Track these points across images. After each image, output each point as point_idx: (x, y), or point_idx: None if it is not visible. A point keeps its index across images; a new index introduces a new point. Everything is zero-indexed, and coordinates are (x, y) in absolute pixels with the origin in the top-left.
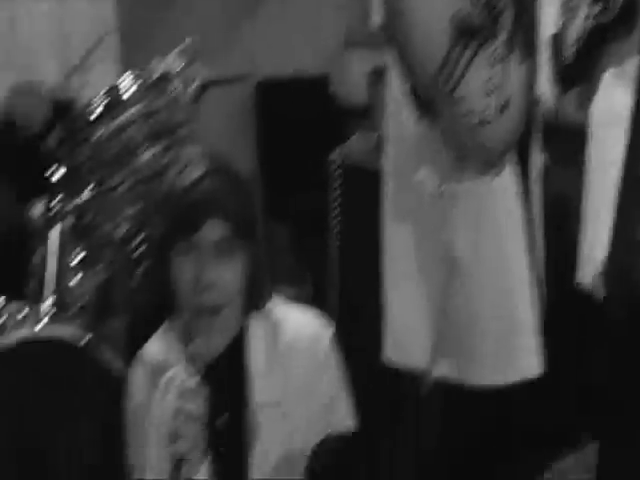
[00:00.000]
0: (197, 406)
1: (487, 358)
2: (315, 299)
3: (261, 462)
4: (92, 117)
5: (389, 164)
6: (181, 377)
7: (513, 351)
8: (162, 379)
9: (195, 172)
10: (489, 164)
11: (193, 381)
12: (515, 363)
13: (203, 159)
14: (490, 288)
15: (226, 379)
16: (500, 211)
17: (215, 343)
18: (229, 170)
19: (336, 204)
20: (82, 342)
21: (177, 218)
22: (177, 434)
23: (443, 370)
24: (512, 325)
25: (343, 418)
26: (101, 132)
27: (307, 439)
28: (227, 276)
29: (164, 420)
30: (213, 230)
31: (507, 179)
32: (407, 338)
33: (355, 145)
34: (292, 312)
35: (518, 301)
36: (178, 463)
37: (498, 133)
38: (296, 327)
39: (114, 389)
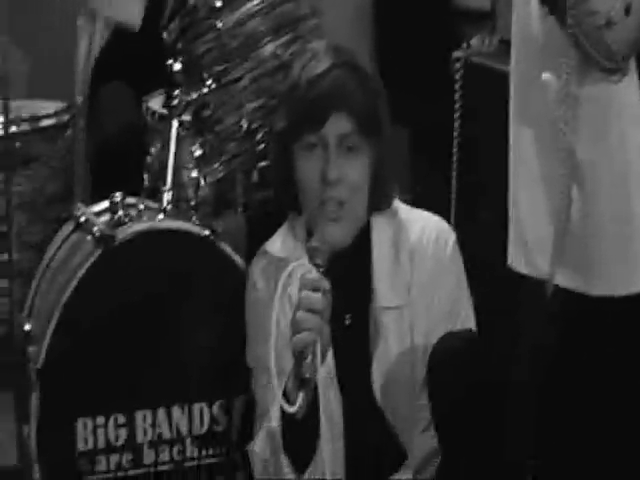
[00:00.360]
0: (319, 298)
1: (607, 268)
2: (430, 205)
3: (383, 360)
4: (214, 7)
5: (515, 66)
6: (303, 269)
7: (633, 262)
8: (284, 272)
9: (321, 65)
10: (613, 67)
11: (315, 273)
12: (635, 274)
13: (329, 53)
14: (611, 195)
15: (350, 275)
16: (623, 117)
17: (338, 238)
18: (356, 65)
19: (458, 104)
20: (203, 234)
21: (302, 111)
22: (299, 326)
23: (565, 279)
24: (633, 235)
25: (464, 321)
26: (223, 23)
27: (429, 341)
28: (352, 172)
29: (286, 312)
30: (338, 124)
31: (630, 85)
32: (531, 244)
33: (477, 46)
34: (417, 214)
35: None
36: (300, 355)
37: (623, 35)
38: (421, 229)
39: (238, 281)
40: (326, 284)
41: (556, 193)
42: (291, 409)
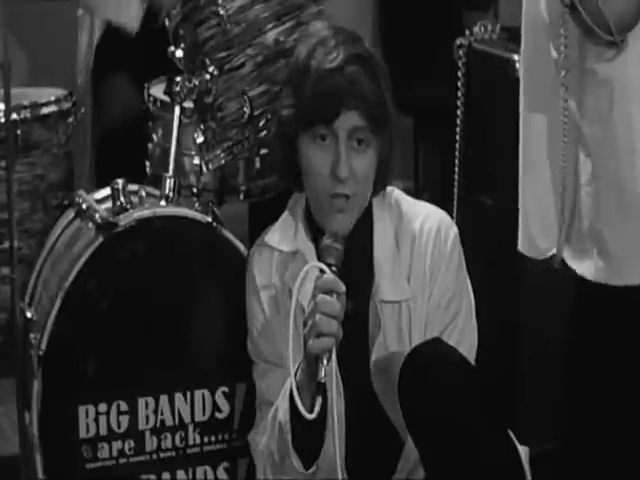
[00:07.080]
0: (336, 302)
1: (616, 256)
2: (433, 192)
3: (380, 352)
4: None
5: (524, 47)
6: (317, 271)
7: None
8: (300, 273)
9: (334, 57)
10: (610, 40)
11: (331, 275)
12: None
13: (339, 41)
14: (619, 179)
15: (351, 264)
16: (628, 97)
17: (343, 228)
18: (367, 58)
19: (462, 91)
20: (205, 221)
21: (313, 103)
22: (317, 330)
23: (577, 266)
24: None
25: (464, 316)
26: (225, 10)
27: (426, 334)
28: (361, 167)
29: (301, 313)
30: (350, 120)
31: (637, 65)
32: (540, 229)
33: (479, 33)
34: (419, 207)
35: None
36: (315, 360)
37: (617, 7)
38: (422, 222)
39: (240, 268)
40: (342, 286)
41: (565, 178)
42: (310, 416)
